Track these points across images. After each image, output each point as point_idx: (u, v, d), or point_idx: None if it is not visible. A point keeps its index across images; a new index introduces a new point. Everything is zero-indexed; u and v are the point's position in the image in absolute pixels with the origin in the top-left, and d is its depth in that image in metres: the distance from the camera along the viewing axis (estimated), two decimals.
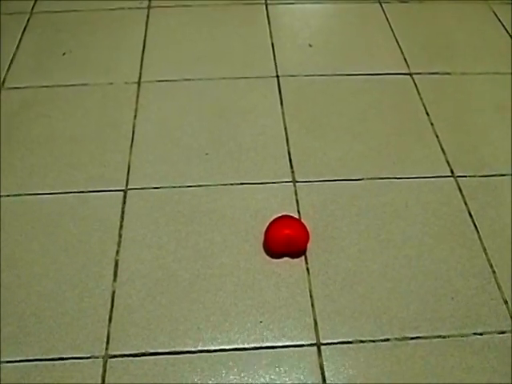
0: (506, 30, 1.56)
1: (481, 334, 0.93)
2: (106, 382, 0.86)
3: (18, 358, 0.89)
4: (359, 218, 1.09)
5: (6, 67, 1.39)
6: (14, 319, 0.93)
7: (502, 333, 0.94)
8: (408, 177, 1.16)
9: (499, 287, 0.99)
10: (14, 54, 1.43)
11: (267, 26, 1.53)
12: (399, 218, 1.09)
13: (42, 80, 1.36)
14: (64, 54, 1.44)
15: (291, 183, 1.14)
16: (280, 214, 1.04)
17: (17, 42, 1.47)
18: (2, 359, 0.88)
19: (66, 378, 0.86)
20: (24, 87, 1.34)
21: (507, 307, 0.97)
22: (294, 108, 1.31)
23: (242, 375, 0.88)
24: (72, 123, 1.26)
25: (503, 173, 1.18)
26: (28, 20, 1.54)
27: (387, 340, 0.92)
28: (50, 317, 0.93)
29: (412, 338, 0.92)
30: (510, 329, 0.94)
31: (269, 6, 1.60)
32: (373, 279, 1.00)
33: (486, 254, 1.04)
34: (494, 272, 1.01)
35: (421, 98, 1.34)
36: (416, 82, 1.38)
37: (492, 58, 1.47)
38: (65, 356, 0.89)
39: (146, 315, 0.94)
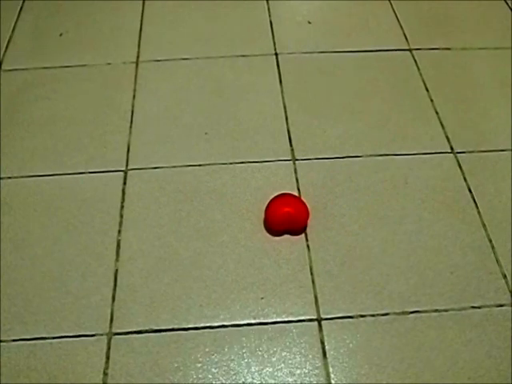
0: (507, 4, 1.54)
1: (479, 308, 0.95)
2: (111, 358, 0.88)
3: (24, 337, 0.90)
4: (359, 194, 1.09)
5: (4, 49, 1.39)
6: (20, 299, 0.94)
7: (501, 306, 0.95)
8: (407, 153, 1.17)
9: (498, 262, 1.00)
10: (11, 36, 1.42)
11: (265, 2, 1.52)
12: (399, 195, 1.10)
13: (40, 61, 1.36)
14: (61, 34, 1.43)
15: (291, 161, 1.15)
16: (280, 192, 1.05)
17: (13, 24, 1.46)
18: (8, 338, 0.90)
19: (71, 356, 0.88)
20: (22, 69, 1.34)
21: (506, 281, 0.98)
22: (293, 86, 1.30)
23: (244, 351, 0.89)
24: (71, 104, 1.26)
25: (503, 148, 1.18)
26: (23, 1, 1.53)
27: (387, 314, 0.93)
28: (55, 296, 0.95)
29: (411, 312, 0.94)
30: (508, 302, 0.95)
31: None
32: (373, 255, 1.01)
33: (486, 229, 1.05)
34: (492, 247, 1.02)
35: (420, 74, 1.34)
36: (416, 57, 1.38)
37: (493, 33, 1.46)
38: (69, 334, 0.91)
39: (149, 293, 0.95)
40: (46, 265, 0.99)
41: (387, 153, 1.17)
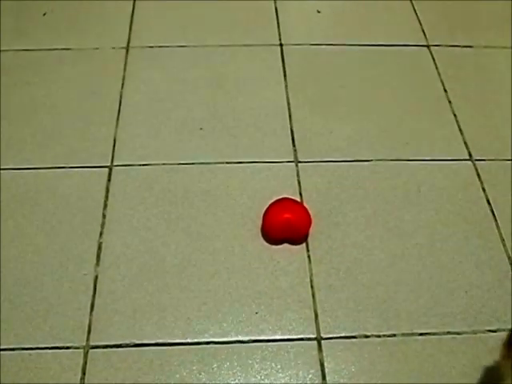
0: None
1: (495, 331, 0.94)
2: (87, 374, 0.87)
3: None
4: (367, 202, 1.09)
5: None
6: None
7: None
8: (421, 159, 1.17)
9: None
10: None
11: None
12: (410, 204, 1.09)
13: (20, 43, 1.35)
14: (45, 14, 1.42)
15: (293, 163, 1.15)
16: (280, 197, 1.04)
17: None
18: None
19: (43, 370, 0.87)
20: (1, 50, 1.33)
21: None
22: (299, 80, 1.30)
23: (235, 370, 0.88)
24: (53, 91, 1.25)
25: None
26: None
27: (394, 335, 0.93)
28: (27, 303, 0.94)
29: (421, 334, 0.93)
30: None
31: None
32: (380, 269, 1.00)
33: (504, 244, 1.04)
34: None
35: (439, 73, 1.34)
36: (434, 54, 1.38)
37: None
38: (42, 346, 0.89)
39: (132, 303, 0.94)
40: (19, 268, 0.98)
41: (399, 157, 1.17)
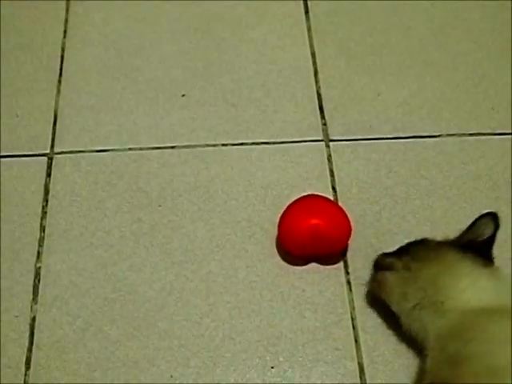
0: None
1: None
2: None
3: None
4: (433, 198, 1.09)
5: None
6: None
7: None
8: None
9: None
10: None
11: None
12: (500, 200, 1.09)
13: None
14: None
15: (322, 142, 1.15)
16: (304, 194, 1.04)
17: None
18: None
19: None
20: None
21: None
22: (328, 28, 1.31)
23: None
24: None
25: None
26: None
27: None
28: None
29: None
30: None
31: None
32: None
33: None
34: None
35: None
36: None
37: None
38: None
39: (86, 355, 0.94)
40: None
41: (480, 131, 1.17)
